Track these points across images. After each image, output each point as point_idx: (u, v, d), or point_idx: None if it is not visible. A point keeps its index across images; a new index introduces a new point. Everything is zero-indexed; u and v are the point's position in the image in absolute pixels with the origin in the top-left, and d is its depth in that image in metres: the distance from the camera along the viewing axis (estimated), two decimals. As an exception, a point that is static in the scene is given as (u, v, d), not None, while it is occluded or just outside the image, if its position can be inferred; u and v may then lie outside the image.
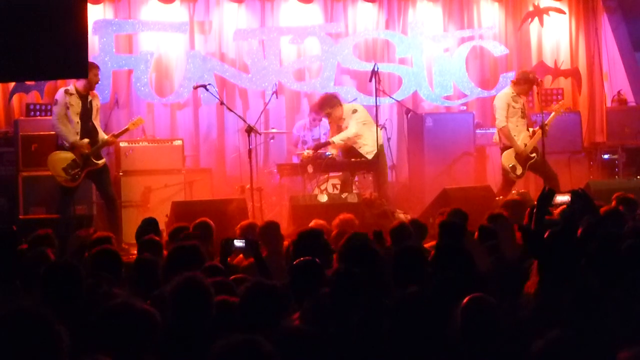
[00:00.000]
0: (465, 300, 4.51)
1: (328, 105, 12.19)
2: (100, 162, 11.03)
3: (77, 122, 10.84)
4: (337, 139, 12.10)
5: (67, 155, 10.87)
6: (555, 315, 4.65)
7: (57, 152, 10.97)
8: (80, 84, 10.85)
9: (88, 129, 10.92)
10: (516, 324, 4.79)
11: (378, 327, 4.50)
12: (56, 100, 10.97)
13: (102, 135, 11.13)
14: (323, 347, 4.38)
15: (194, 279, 4.85)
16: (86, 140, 10.84)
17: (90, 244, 7.41)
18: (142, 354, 4.07)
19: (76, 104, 10.83)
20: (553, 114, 12.26)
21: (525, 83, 12.17)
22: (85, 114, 10.90)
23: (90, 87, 10.89)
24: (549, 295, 5.02)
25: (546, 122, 12.03)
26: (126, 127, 11.48)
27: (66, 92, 10.88)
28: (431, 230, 8.58)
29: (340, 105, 12.27)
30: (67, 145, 10.87)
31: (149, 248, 7.27)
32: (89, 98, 10.94)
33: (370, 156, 12.08)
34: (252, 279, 5.64)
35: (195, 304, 4.78)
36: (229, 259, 7.07)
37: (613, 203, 8.55)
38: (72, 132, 10.83)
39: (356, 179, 12.31)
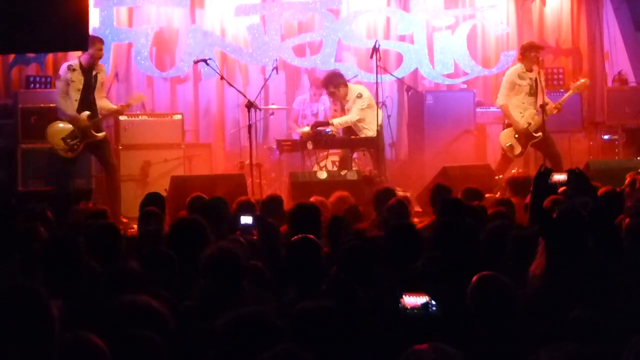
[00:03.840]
0: (475, 279, 4.47)
1: (332, 84, 12.04)
2: (100, 134, 10.97)
3: (76, 99, 10.80)
4: (338, 121, 11.99)
5: (67, 126, 10.82)
6: (561, 296, 4.64)
7: (56, 122, 10.93)
8: (84, 58, 10.79)
9: (88, 103, 10.85)
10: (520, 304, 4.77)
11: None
12: (59, 75, 10.97)
13: (109, 107, 11.09)
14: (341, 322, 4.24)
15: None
16: (86, 113, 10.79)
17: (87, 218, 7.42)
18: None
19: (78, 79, 10.78)
20: (570, 91, 12.20)
21: (529, 52, 11.89)
22: (87, 89, 10.83)
23: (93, 61, 10.83)
24: (555, 276, 4.98)
25: (560, 101, 11.97)
26: (126, 103, 11.46)
27: (69, 67, 10.84)
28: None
29: (346, 85, 12.10)
30: (66, 118, 10.84)
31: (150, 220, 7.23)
32: (94, 72, 10.87)
33: None
34: None
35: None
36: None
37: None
38: (71, 106, 10.80)
39: (355, 155, 12.27)
